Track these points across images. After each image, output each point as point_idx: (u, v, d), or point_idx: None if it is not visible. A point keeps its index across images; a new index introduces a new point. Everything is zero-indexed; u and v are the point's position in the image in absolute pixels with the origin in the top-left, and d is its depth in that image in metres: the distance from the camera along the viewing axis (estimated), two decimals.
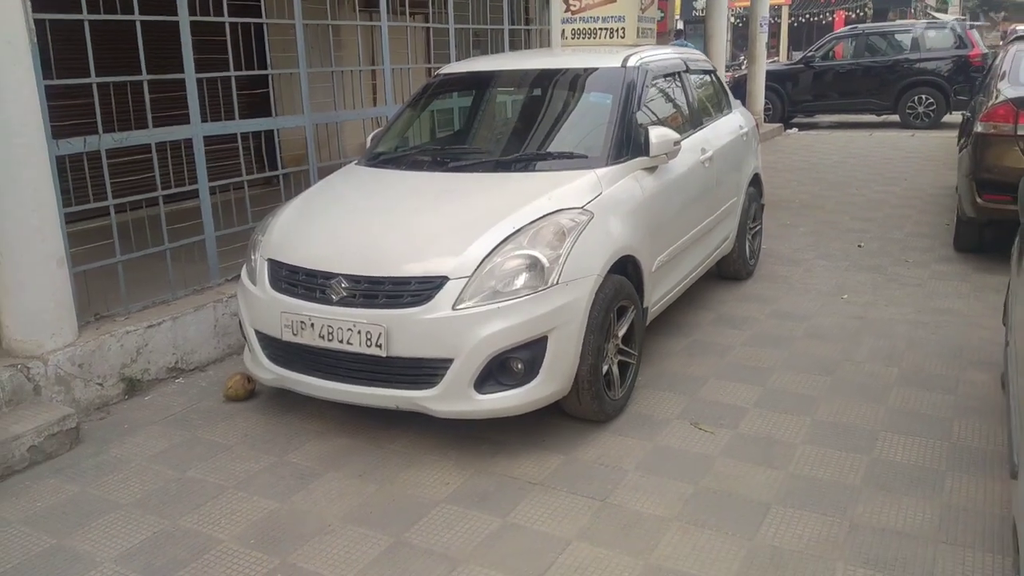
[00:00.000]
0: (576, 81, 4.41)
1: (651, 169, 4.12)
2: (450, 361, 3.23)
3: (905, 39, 15.01)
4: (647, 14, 5.85)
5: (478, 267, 3.26)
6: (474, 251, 3.30)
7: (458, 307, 3.22)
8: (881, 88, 14.82)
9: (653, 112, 4.39)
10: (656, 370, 4.27)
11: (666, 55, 4.90)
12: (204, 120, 4.54)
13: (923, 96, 14.51)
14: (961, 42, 14.44)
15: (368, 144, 4.67)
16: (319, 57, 5.90)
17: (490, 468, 3.37)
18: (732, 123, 5.52)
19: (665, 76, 4.71)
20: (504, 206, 3.56)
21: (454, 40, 6.40)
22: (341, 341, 3.34)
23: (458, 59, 6.46)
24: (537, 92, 4.49)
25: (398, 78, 6.08)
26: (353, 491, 3.24)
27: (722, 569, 2.69)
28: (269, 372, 3.67)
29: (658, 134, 4.01)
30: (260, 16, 5.66)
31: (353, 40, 5.79)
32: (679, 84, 4.89)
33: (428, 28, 7.43)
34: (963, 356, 4.40)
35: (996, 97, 5.86)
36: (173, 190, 4.47)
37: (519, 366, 3.29)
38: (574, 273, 3.36)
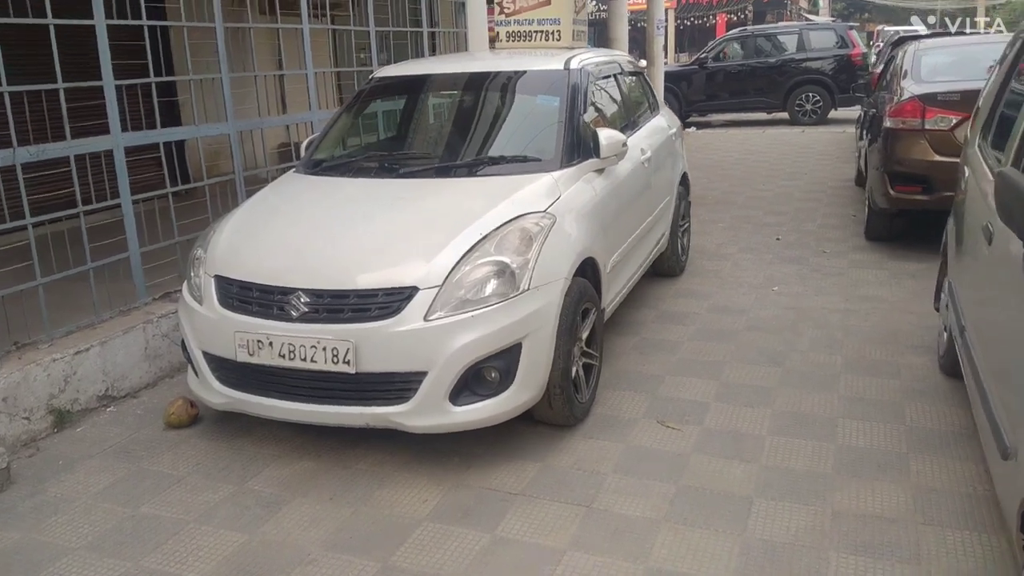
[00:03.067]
0: (520, 84, 4.36)
1: (600, 171, 4.12)
2: (424, 374, 3.12)
3: (791, 40, 15.71)
4: (580, 16, 5.87)
5: (448, 276, 3.16)
6: (443, 259, 3.20)
7: (430, 318, 3.11)
8: (770, 87, 15.46)
9: (598, 114, 4.38)
10: (612, 370, 4.26)
11: (602, 57, 4.92)
12: (124, 130, 4.24)
13: (810, 94, 15.21)
14: (843, 42, 15.23)
15: (303, 151, 4.48)
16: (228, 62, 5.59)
17: (466, 481, 3.27)
18: (662, 123, 5.60)
19: (603, 78, 4.72)
20: (466, 212, 3.47)
21: (376, 44, 6.24)
22: (304, 359, 3.17)
23: (381, 63, 6.32)
24: (481, 95, 4.41)
25: (320, 82, 5.87)
26: (327, 516, 3.08)
27: (721, 568, 2.69)
28: (220, 396, 3.45)
29: (607, 135, 4.01)
30: (165, 19, 5.36)
31: (259, 45, 5.50)
32: (616, 86, 4.92)
33: (339, 32, 7.23)
34: (898, 341, 4.59)
35: (902, 95, 6.17)
36: (95, 205, 4.15)
37: (494, 375, 3.21)
38: (544, 278, 3.31)
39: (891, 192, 6.04)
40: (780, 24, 24.25)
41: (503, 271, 3.24)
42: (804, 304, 5.28)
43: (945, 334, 4.00)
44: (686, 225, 6.08)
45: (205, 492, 3.28)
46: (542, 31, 5.46)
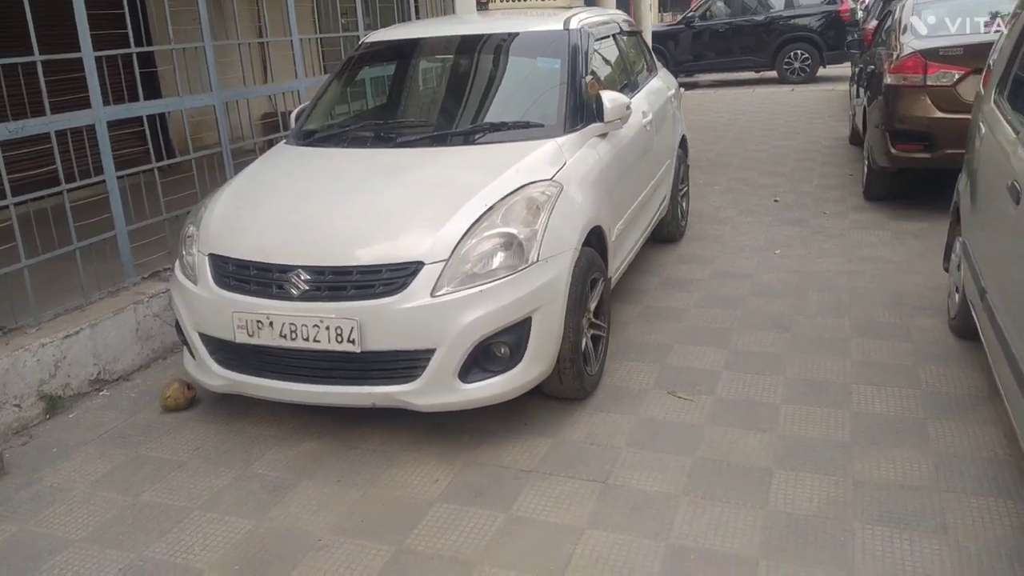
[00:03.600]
0: (518, 46, 4.21)
1: (603, 135, 3.98)
2: (432, 351, 3.01)
3: None
4: None
5: (454, 249, 3.04)
6: (448, 232, 3.08)
7: (437, 294, 2.99)
8: (758, 45, 15.26)
9: (598, 76, 4.24)
10: (618, 340, 4.17)
11: (601, 17, 4.76)
12: (106, 103, 4.06)
13: (799, 52, 15.03)
14: None
15: (293, 122, 4.32)
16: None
17: (477, 459, 3.19)
18: (661, 85, 5.46)
19: (602, 39, 4.57)
20: (470, 182, 3.34)
21: (361, 8, 6.03)
22: (307, 339, 3.05)
23: (366, 28, 6.12)
24: (478, 59, 4.25)
25: (305, 49, 5.66)
26: (335, 499, 2.99)
27: (745, 542, 2.62)
28: (219, 378, 3.33)
29: (611, 98, 3.87)
30: None
31: (239, 12, 5.26)
32: (615, 47, 4.77)
33: None
34: (905, 303, 4.52)
35: (902, 50, 6.04)
36: (79, 183, 3.99)
37: (504, 351, 3.10)
38: (552, 249, 3.19)
39: (892, 150, 5.94)
40: None
41: (511, 243, 3.12)
42: (808, 267, 5.20)
43: (957, 295, 3.93)
44: (685, 189, 5.97)
45: (208, 477, 3.18)
46: None
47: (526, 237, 3.13)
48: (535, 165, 3.45)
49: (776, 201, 6.88)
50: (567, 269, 3.25)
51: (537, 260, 3.12)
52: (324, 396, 3.17)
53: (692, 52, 15.71)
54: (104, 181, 4.10)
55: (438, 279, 3.00)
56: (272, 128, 6.04)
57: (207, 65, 4.70)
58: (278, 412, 3.58)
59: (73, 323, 3.82)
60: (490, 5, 5.24)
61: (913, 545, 2.56)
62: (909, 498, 2.80)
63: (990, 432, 3.17)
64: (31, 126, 3.69)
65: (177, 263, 3.55)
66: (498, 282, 3.03)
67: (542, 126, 3.76)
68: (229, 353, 3.28)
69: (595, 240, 3.65)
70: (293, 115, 4.35)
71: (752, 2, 15.79)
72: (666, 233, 5.63)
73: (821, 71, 15.26)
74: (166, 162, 4.50)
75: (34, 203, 3.86)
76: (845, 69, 15.03)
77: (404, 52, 4.49)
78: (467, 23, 4.70)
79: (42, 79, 3.73)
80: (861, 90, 7.47)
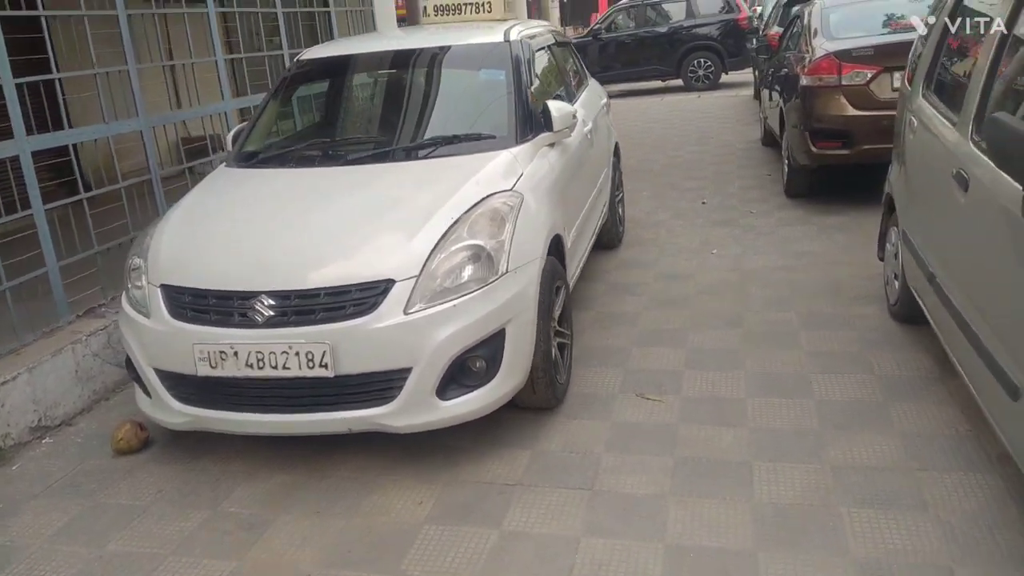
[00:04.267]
0: (460, 59, 4.19)
1: (551, 144, 4.00)
2: (408, 370, 2.95)
3: (680, 7, 15.95)
4: None
5: (424, 265, 2.99)
6: (417, 248, 3.02)
7: (410, 311, 2.93)
8: (663, 55, 15.70)
9: (541, 86, 4.26)
10: (578, 347, 4.17)
11: (536, 28, 4.79)
12: (31, 132, 3.83)
13: (702, 60, 15.52)
14: (729, 7, 15.58)
15: (231, 144, 4.17)
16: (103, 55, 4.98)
17: (458, 477, 3.13)
18: (594, 94, 5.53)
19: (539, 50, 4.59)
20: (431, 196, 3.29)
21: (284, 25, 5.90)
22: (275, 367, 2.94)
23: (291, 46, 6.00)
24: (420, 73, 4.21)
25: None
26: (318, 532, 2.88)
27: (739, 536, 2.66)
28: (180, 415, 3.18)
29: (558, 108, 3.89)
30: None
31: (139, 35, 4.96)
32: (551, 57, 4.80)
33: (231, 15, 6.80)
34: (843, 293, 4.69)
35: (814, 53, 6.30)
36: (5, 218, 3.75)
37: (480, 364, 3.07)
38: (520, 259, 3.18)
39: (813, 149, 6.18)
40: None
41: (479, 255, 3.09)
42: (745, 265, 5.34)
43: (896, 282, 4.10)
44: (620, 195, 6.06)
45: (176, 521, 3.02)
46: (472, 3, 5.27)
47: (494, 248, 3.11)
48: (493, 176, 3.44)
49: (704, 203, 7.06)
50: (536, 278, 3.24)
51: (507, 271, 3.10)
52: (296, 425, 3.06)
53: (600, 63, 16.00)
54: (32, 214, 3.85)
55: (410, 296, 2.95)
56: (196, 153, 5.80)
57: (132, 89, 4.49)
58: (240, 447, 3.43)
59: (9, 368, 3.58)
60: (422, 20, 5.21)
61: (899, 524, 2.65)
62: (886, 479, 2.89)
63: (947, 411, 3.31)
64: None
65: (124, 297, 3.37)
66: (471, 295, 3.00)
67: (494, 137, 3.75)
68: (189, 388, 3.13)
69: (555, 248, 3.65)
70: (229, 137, 4.21)
71: (659, 12, 16.25)
72: (606, 239, 5.69)
73: (724, 78, 15.80)
74: (95, 192, 4.27)
75: None
76: (746, 75, 15.66)
77: (343, 68, 4.40)
78: (406, 37, 4.66)
79: None
80: (774, 93, 7.74)
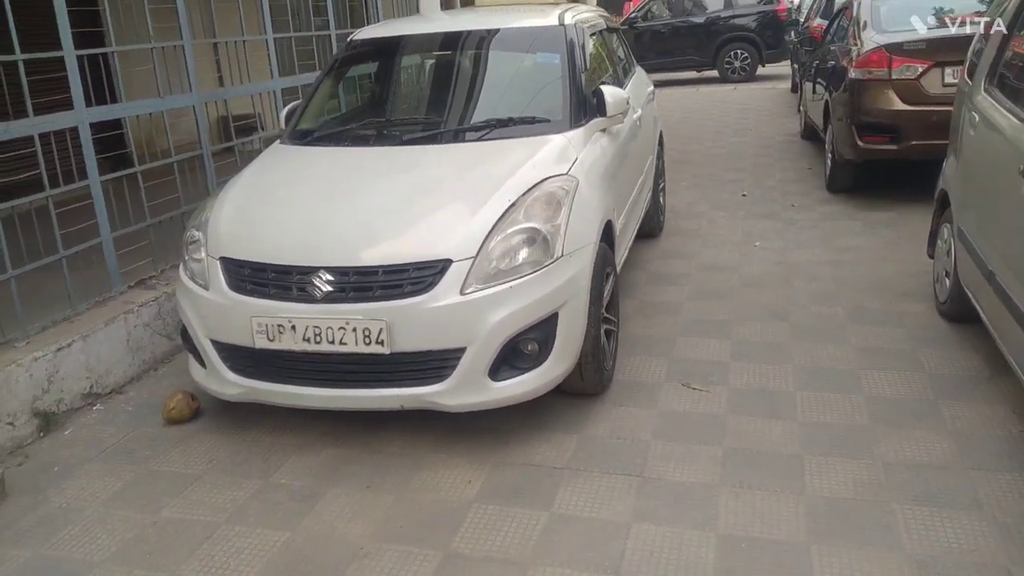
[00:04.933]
0: (515, 42, 4.18)
1: (603, 130, 3.99)
2: (462, 350, 2.96)
3: None
4: None
5: (482, 246, 3.00)
6: (474, 229, 3.03)
7: (466, 291, 2.95)
8: (699, 45, 15.55)
9: (595, 71, 4.24)
10: (621, 335, 4.16)
11: (589, 13, 4.77)
12: (89, 104, 3.88)
13: (739, 51, 15.36)
14: None
15: (284, 122, 4.20)
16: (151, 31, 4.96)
17: (507, 459, 3.15)
18: (641, 81, 5.50)
19: (592, 35, 4.57)
20: (487, 178, 3.30)
21: (332, 4, 5.91)
22: (332, 342, 2.97)
23: (340, 25, 6.01)
24: (475, 55, 4.20)
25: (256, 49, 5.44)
26: (369, 506, 2.91)
27: (792, 529, 2.65)
28: (235, 386, 3.22)
29: (612, 93, 3.88)
30: None
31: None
32: (603, 42, 4.78)
33: None
34: (890, 289, 4.64)
35: (863, 45, 6.22)
36: (63, 188, 3.80)
37: (532, 347, 3.08)
38: (575, 243, 3.18)
39: (859, 143, 6.11)
40: None
41: (534, 238, 3.09)
42: (790, 258, 5.30)
43: (948, 280, 4.05)
44: (662, 184, 6.03)
45: (229, 490, 3.06)
46: None
47: (550, 232, 3.11)
48: (549, 160, 3.44)
49: (744, 195, 7.01)
50: (589, 263, 3.24)
51: (562, 255, 3.11)
52: (350, 400, 3.09)
53: (636, 52, 15.78)
54: (88, 185, 3.91)
55: (467, 276, 2.96)
56: (238, 132, 5.81)
57: (186, 65, 4.53)
58: (290, 419, 3.47)
59: (64, 335, 3.64)
60: (477, 3, 5.19)
61: (954, 522, 2.63)
62: (938, 477, 2.87)
63: (998, 410, 3.28)
64: (15, 128, 3.49)
65: (181, 268, 3.41)
66: (526, 278, 3.00)
67: (548, 121, 3.74)
68: (246, 360, 3.17)
69: (605, 234, 3.64)
70: (283, 115, 4.23)
71: (691, 4, 16.09)
72: (648, 228, 5.66)
73: (760, 70, 15.64)
74: (149, 165, 4.31)
75: (13, 211, 3.65)
76: (783, 68, 15.50)
77: (395, 50, 4.40)
78: (458, 20, 4.65)
79: (24, 79, 3.53)
80: (818, 86, 7.65)
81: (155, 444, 3.43)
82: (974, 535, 2.56)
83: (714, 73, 15.74)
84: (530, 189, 3.21)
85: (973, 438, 3.10)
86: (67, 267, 3.83)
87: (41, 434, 3.49)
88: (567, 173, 3.37)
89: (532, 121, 3.76)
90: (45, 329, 3.69)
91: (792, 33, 14.06)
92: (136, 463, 3.29)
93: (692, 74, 16.39)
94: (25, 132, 3.53)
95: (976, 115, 3.69)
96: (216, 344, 3.21)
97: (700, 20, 15.59)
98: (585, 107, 3.85)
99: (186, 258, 3.40)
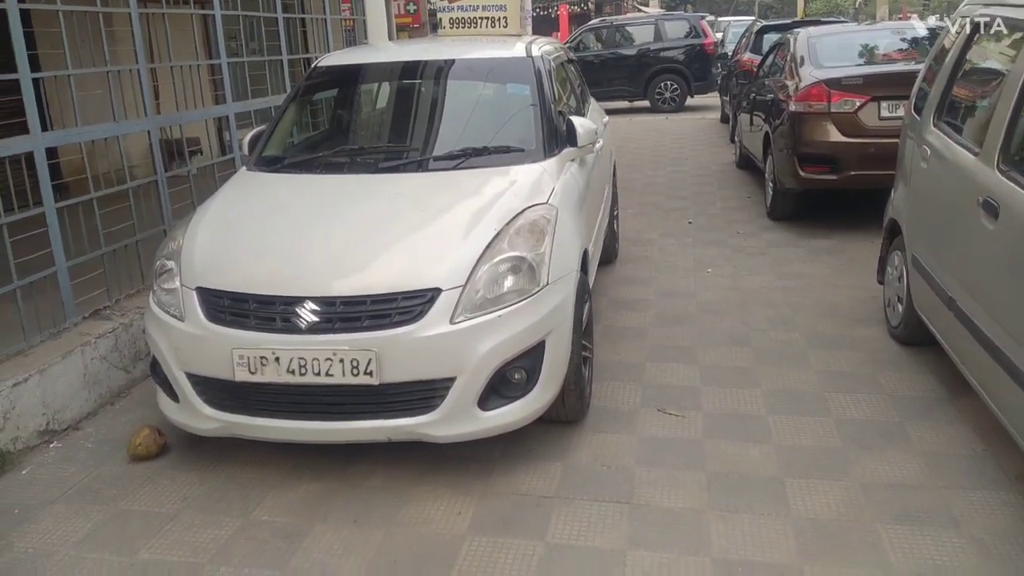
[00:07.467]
0: (485, 72, 4.21)
1: (573, 159, 4.05)
2: (452, 380, 2.94)
3: (647, 30, 16.26)
4: (526, 3, 5.73)
5: (471, 275, 2.99)
6: (463, 257, 3.03)
7: (456, 320, 2.93)
8: (631, 76, 15.95)
9: (560, 102, 4.31)
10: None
11: (551, 44, 4.84)
12: (44, 129, 3.73)
13: (669, 82, 15.81)
14: (695, 32, 15.92)
15: (247, 148, 4.11)
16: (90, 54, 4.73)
17: (493, 489, 3.13)
18: (596, 111, 5.60)
19: (557, 66, 4.65)
20: (471, 206, 3.31)
21: (284, 30, 5.84)
22: (318, 373, 2.91)
23: (292, 50, 5.94)
24: (445, 84, 4.21)
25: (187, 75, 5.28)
26: (359, 542, 2.84)
27: (784, 552, 2.71)
28: (212, 421, 3.11)
29: (582, 124, 3.95)
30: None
31: (119, 35, 4.73)
32: (565, 74, 4.86)
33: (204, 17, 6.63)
34: (842, 314, 4.82)
35: (803, 80, 6.49)
36: (17, 215, 3.63)
37: (520, 376, 3.07)
38: (559, 271, 3.21)
39: (801, 173, 6.36)
40: (635, 15, 25.02)
41: (520, 267, 3.11)
42: (742, 284, 5.45)
43: (900, 306, 4.23)
44: (616, 211, 6.13)
45: (208, 528, 2.95)
46: (487, 17, 5.29)
47: (535, 261, 3.13)
48: (528, 189, 3.46)
49: (690, 223, 7.18)
50: (572, 291, 3.27)
51: (547, 283, 3.13)
52: (335, 433, 3.03)
53: None
54: (43, 212, 3.74)
55: (456, 306, 2.94)
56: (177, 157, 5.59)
57: (141, 90, 4.40)
58: (264, 454, 3.37)
59: (21, 370, 3.46)
60: (440, 32, 5.21)
61: (935, 540, 2.73)
62: (915, 496, 2.98)
63: (961, 430, 3.43)
64: None
65: (151, 299, 3.29)
66: (515, 306, 3.01)
67: (522, 151, 3.77)
68: (223, 393, 3.07)
69: (582, 262, 3.69)
70: (246, 141, 4.14)
71: (626, 34, 16.52)
72: (604, 255, 5.73)
73: (689, 100, 16.12)
74: (105, 191, 4.16)
75: None
76: (711, 99, 16.01)
77: (365, 77, 4.38)
78: (428, 47, 4.66)
79: None
80: (756, 118, 7.93)
81: (122, 482, 3.28)
82: (955, 552, 2.67)
83: (645, 103, 16.14)
84: (514, 218, 3.23)
85: (941, 457, 3.23)
86: (20, 297, 3.65)
87: None
88: (547, 202, 3.40)
89: (507, 150, 3.79)
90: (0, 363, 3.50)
91: (720, 66, 14.56)
92: (104, 503, 3.13)
93: (624, 104, 16.76)
94: None
95: (927, 149, 3.88)
96: (191, 377, 3.11)
97: (631, 52, 16.01)
98: (557, 137, 3.90)
99: (155, 288, 3.28)
